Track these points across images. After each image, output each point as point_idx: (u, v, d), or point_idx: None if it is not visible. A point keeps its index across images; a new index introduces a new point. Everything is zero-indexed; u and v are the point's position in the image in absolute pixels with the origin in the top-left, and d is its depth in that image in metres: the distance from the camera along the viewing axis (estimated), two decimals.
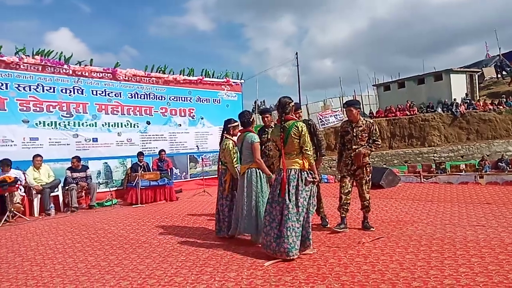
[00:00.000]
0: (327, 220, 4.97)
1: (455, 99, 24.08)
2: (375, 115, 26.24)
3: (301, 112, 4.98)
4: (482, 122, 22.50)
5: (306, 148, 3.72)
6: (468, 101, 24.37)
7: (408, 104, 25.08)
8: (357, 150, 4.61)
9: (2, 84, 7.48)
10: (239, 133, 4.62)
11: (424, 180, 11.51)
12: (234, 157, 4.55)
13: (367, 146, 4.66)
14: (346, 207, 4.69)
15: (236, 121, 4.85)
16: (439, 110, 23.69)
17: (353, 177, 4.73)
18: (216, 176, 5.90)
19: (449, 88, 25.50)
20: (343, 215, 4.69)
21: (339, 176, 4.85)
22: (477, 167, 16.22)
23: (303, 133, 3.72)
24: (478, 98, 26.26)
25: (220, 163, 4.88)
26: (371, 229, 4.55)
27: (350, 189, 4.71)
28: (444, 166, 17.01)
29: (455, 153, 21.45)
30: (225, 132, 4.81)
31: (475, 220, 4.72)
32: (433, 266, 3.10)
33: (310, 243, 3.68)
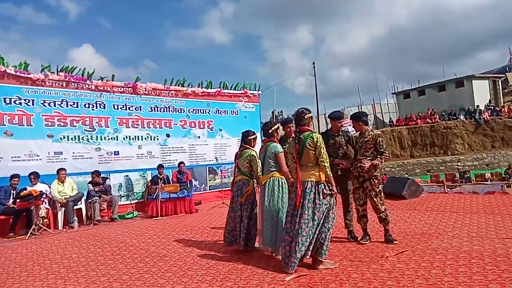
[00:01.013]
0: (354, 233, 4.83)
1: (478, 106, 23.47)
2: (395, 123, 25.84)
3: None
4: (507, 129, 21.78)
5: (322, 159, 3.68)
6: (492, 107, 23.70)
7: (429, 112, 24.59)
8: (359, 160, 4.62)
9: (29, 101, 7.77)
10: (262, 144, 4.62)
11: (448, 190, 11.20)
12: (259, 166, 4.63)
13: (377, 157, 4.58)
14: (365, 219, 4.67)
15: (254, 133, 4.88)
16: (462, 117, 23.13)
17: (363, 190, 4.66)
18: None
19: (471, 95, 24.89)
20: (365, 227, 4.67)
21: (352, 187, 4.79)
22: (503, 175, 15.66)
23: (318, 144, 3.68)
24: (502, 104, 25.49)
25: (238, 173, 4.84)
26: (395, 242, 4.44)
27: (364, 200, 4.69)
28: (468, 175, 16.53)
29: (479, 162, 20.82)
30: (243, 143, 4.84)
31: (504, 232, 4.54)
32: (461, 281, 2.98)
33: (323, 254, 3.60)
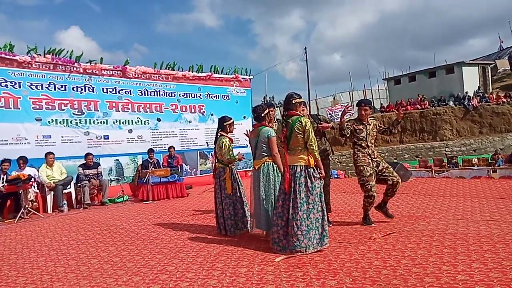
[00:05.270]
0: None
1: (467, 92, 23.69)
2: (385, 109, 25.99)
3: (304, 108, 4.95)
4: (495, 115, 22.07)
5: (310, 143, 3.68)
6: (481, 94, 23.94)
7: (419, 98, 24.76)
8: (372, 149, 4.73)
9: (15, 83, 7.62)
10: (252, 128, 4.62)
11: (436, 174, 11.41)
12: (232, 154, 4.66)
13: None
14: (373, 204, 4.67)
15: (230, 119, 4.87)
16: (451, 103, 23.34)
17: (379, 171, 4.65)
18: None
19: (461, 81, 25.08)
20: (370, 212, 4.71)
21: (366, 174, 4.56)
22: (490, 161, 15.93)
23: (307, 128, 3.67)
24: (491, 91, 25.77)
25: (216, 161, 4.87)
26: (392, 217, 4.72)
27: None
28: (456, 160, 16.76)
29: (467, 147, 21.14)
30: (220, 130, 4.83)
31: (488, 215, 4.66)
32: (445, 261, 3.07)
33: (327, 241, 3.66)
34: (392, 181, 4.62)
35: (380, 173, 4.65)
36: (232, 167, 4.74)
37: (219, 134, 4.81)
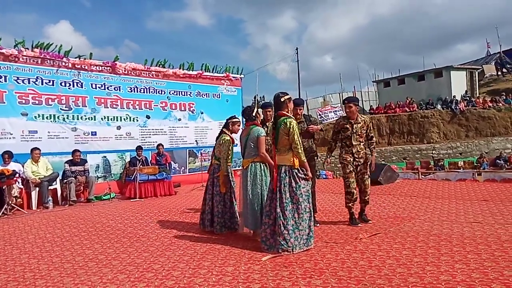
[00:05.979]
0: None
1: (454, 96, 24.04)
2: (375, 111, 26.20)
3: (302, 107, 4.99)
4: (481, 119, 22.45)
5: (295, 145, 3.68)
6: (468, 98, 24.33)
7: (407, 101, 25.03)
8: (370, 158, 4.75)
9: (1, 77, 7.46)
10: (243, 127, 4.61)
11: (422, 176, 11.55)
12: (229, 154, 4.62)
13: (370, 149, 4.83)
14: (355, 201, 4.74)
15: (237, 118, 4.87)
16: (439, 107, 23.65)
17: (356, 173, 4.77)
18: None
19: (449, 85, 25.44)
20: (353, 211, 4.75)
21: (346, 171, 4.72)
22: (475, 164, 16.24)
23: (291, 130, 3.66)
24: (478, 95, 26.20)
25: (214, 158, 4.88)
26: (369, 221, 4.67)
27: (356, 183, 4.80)
28: (442, 163, 17.04)
29: (453, 150, 21.45)
30: (223, 128, 4.83)
31: (472, 217, 4.74)
32: (429, 262, 3.11)
33: (312, 241, 3.70)
34: (360, 188, 4.76)
35: (357, 174, 4.76)
36: (229, 166, 4.72)
37: (222, 131, 4.82)
